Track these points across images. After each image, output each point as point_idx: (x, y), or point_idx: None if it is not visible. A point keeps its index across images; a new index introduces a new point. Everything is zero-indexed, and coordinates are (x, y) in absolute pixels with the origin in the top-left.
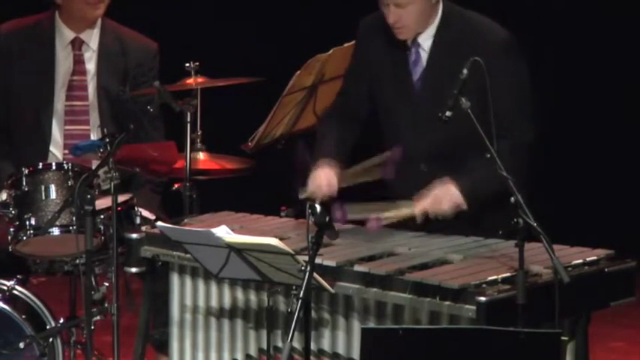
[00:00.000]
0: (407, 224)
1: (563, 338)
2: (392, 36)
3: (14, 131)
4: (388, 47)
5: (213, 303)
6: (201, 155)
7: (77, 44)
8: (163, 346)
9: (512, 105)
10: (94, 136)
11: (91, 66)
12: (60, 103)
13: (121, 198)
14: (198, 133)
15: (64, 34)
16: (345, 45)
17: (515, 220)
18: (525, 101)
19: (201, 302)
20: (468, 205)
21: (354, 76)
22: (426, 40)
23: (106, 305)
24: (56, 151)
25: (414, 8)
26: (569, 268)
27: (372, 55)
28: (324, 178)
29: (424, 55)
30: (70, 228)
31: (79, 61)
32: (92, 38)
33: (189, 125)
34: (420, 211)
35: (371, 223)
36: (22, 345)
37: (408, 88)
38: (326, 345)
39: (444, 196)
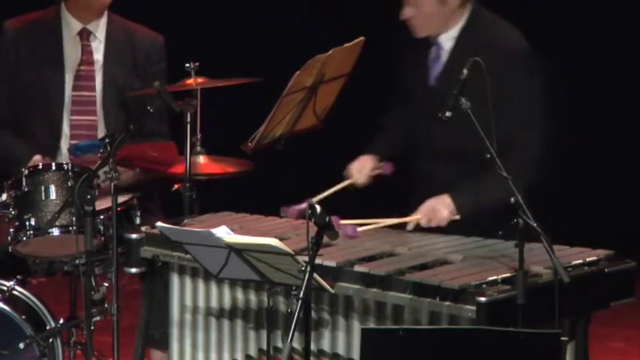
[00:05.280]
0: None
1: (563, 338)
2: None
3: (25, 125)
4: (413, 44)
5: (213, 303)
6: (202, 159)
7: (85, 35)
8: (163, 346)
9: (520, 117)
10: (101, 126)
11: (98, 56)
12: (68, 93)
13: (121, 198)
14: (198, 137)
15: (72, 25)
16: (345, 45)
17: (515, 220)
18: (535, 114)
19: (201, 302)
20: (463, 216)
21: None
22: (447, 41)
23: (106, 306)
24: (62, 141)
25: (423, 10)
26: (569, 269)
27: (404, 51)
28: (356, 165)
29: (444, 55)
30: (70, 228)
31: (87, 52)
32: (99, 29)
33: (189, 126)
34: (414, 220)
35: (346, 229)
36: (22, 345)
37: (425, 85)
38: (326, 345)
39: (439, 206)
